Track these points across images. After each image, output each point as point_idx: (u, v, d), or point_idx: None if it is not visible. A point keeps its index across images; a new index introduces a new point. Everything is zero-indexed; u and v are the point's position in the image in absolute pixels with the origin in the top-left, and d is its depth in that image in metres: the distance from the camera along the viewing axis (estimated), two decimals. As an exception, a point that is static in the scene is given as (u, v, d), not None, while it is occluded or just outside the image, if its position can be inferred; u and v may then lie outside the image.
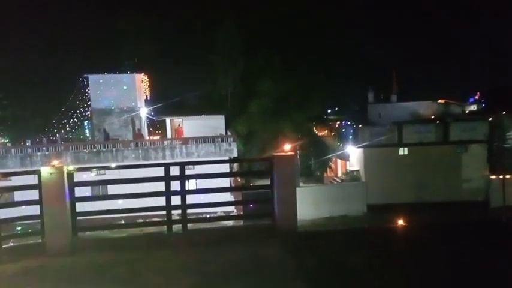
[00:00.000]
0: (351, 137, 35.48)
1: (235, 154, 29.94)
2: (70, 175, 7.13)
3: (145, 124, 37.33)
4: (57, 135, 35.73)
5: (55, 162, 7.22)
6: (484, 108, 44.35)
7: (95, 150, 29.35)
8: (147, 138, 34.39)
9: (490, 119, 32.82)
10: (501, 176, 27.11)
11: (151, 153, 29.60)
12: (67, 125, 37.53)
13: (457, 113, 36.14)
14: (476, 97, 51.31)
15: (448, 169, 31.56)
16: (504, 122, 34.56)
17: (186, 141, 30.88)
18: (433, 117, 34.20)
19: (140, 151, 29.45)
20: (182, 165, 7.71)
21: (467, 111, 41.98)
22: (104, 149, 29.11)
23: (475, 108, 46.52)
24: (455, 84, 45.92)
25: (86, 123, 39.26)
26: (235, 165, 30.92)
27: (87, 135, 39.46)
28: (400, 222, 8.36)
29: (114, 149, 29.12)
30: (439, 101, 36.21)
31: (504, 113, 33.98)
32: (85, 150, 29.20)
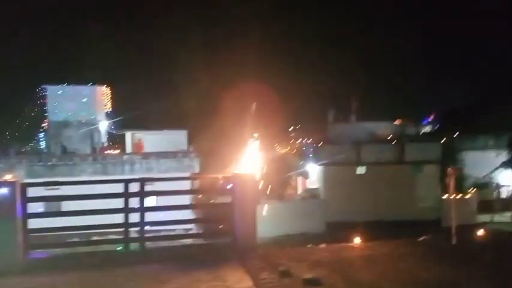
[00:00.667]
0: (311, 155, 36.02)
1: (197, 170, 29.69)
2: (23, 190, 6.90)
3: (105, 138, 36.49)
4: (10, 148, 34.30)
5: (7, 176, 6.97)
6: (437, 129, 46.21)
7: (49, 163, 28.36)
8: (106, 152, 33.60)
9: (443, 141, 34.25)
10: (452, 196, 28.20)
11: (110, 168, 28.92)
12: (22, 138, 36.16)
13: (412, 133, 37.45)
14: (431, 119, 53.43)
15: (404, 188, 32.55)
16: (455, 143, 36.19)
17: (146, 156, 30.40)
18: (390, 137, 35.32)
19: (98, 165, 28.72)
20: (142, 182, 7.63)
21: (422, 132, 43.59)
22: (60, 163, 28.19)
23: (430, 130, 48.38)
24: (411, 105, 47.73)
25: (42, 135, 37.97)
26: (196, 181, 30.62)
27: (42, 148, 38.12)
28: (356, 240, 8.61)
29: (70, 162, 28.26)
30: (396, 122, 37.47)
31: (456, 135, 35.58)
32: (40, 163, 28.16)
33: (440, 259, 7.20)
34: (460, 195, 29.36)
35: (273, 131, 36.70)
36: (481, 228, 12.74)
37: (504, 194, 34.69)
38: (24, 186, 6.93)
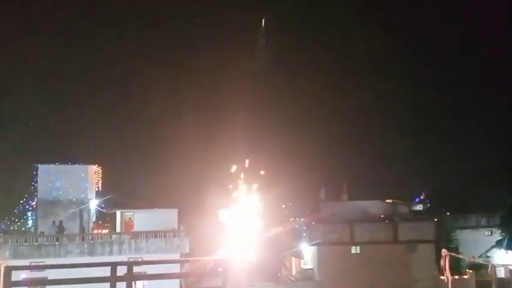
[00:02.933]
0: (304, 234, 35.49)
1: (187, 250, 28.94)
2: (7, 273, 6.70)
3: (94, 217, 35.88)
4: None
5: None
6: (428, 208, 46.20)
7: (36, 244, 27.55)
8: (95, 232, 32.90)
9: (435, 219, 34.11)
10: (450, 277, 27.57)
11: (98, 248, 28.12)
12: (7, 216, 35.50)
13: (404, 212, 37.37)
14: (422, 197, 53.60)
15: (398, 268, 31.80)
16: (448, 222, 36.05)
17: (135, 235, 29.72)
18: (382, 216, 35.18)
19: (86, 245, 27.94)
20: (130, 265, 7.46)
21: (413, 211, 43.49)
22: (46, 243, 27.41)
23: (421, 208, 48.34)
24: (401, 184, 48.07)
25: (29, 214, 37.31)
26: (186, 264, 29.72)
27: (29, 226, 37.29)
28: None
29: (57, 243, 27.49)
30: (387, 200, 37.53)
31: (448, 214, 35.55)
32: (25, 243, 27.36)
33: None
34: (457, 276, 28.70)
35: (265, 208, 36.34)
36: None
37: (501, 274, 33.97)
38: (9, 269, 6.74)
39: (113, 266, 7.22)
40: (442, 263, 9.08)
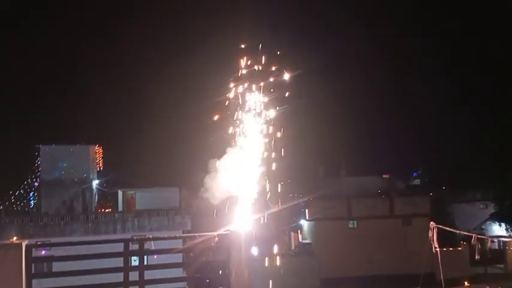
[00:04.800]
0: (302, 210, 36.22)
1: (189, 227, 29.67)
2: (28, 251, 7.18)
3: (96, 196, 36.50)
4: (1, 207, 34.14)
5: (14, 238, 7.28)
6: (425, 183, 46.91)
7: (41, 223, 28.22)
8: (98, 211, 33.55)
9: (431, 194, 34.83)
10: (444, 249, 28.41)
11: (102, 226, 28.82)
12: (12, 197, 36.02)
13: (401, 188, 38.09)
14: (419, 172, 54.35)
15: (395, 242, 32.64)
16: (444, 196, 36.78)
17: (138, 213, 30.40)
18: (379, 191, 35.89)
19: (90, 224, 28.63)
20: (141, 242, 7.96)
21: (411, 186, 44.20)
22: (52, 223, 28.06)
23: (418, 183, 49.10)
24: (400, 159, 48.64)
25: (31, 194, 37.85)
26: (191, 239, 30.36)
27: (31, 207, 37.89)
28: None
29: (62, 222, 28.16)
30: (384, 176, 38.20)
31: (444, 188, 36.23)
32: (31, 223, 28.02)
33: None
34: (451, 248, 29.55)
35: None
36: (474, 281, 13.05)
37: (495, 245, 34.95)
38: (30, 247, 7.22)
39: (126, 242, 7.72)
40: (430, 234, 9.62)
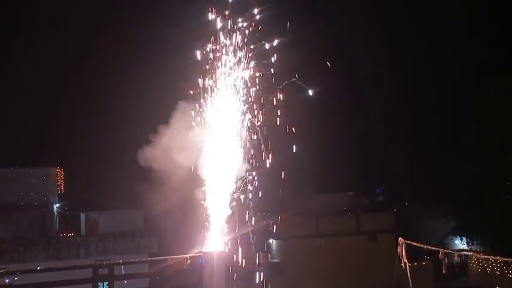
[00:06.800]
0: (270, 228, 36.15)
1: (155, 250, 29.00)
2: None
3: (57, 220, 35.16)
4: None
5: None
6: (388, 198, 47.87)
7: (-1, 250, 26.88)
8: (60, 235, 32.33)
9: (395, 210, 35.66)
10: (409, 264, 29.00)
11: (64, 251, 27.72)
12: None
13: (365, 204, 38.77)
14: (381, 188, 55.39)
15: (361, 258, 33.09)
16: (407, 211, 37.70)
17: (102, 237, 29.49)
18: (345, 208, 36.39)
19: (51, 250, 27.48)
20: (111, 266, 7.73)
21: (375, 202, 44.97)
22: (10, 249, 26.76)
23: (382, 199, 50.03)
24: (363, 176, 49.51)
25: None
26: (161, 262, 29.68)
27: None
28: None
29: (21, 248, 26.90)
30: (349, 193, 38.77)
31: (406, 203, 37.16)
32: (-13, 250, 26.65)
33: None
34: (416, 263, 30.18)
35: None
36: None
37: (458, 259, 35.90)
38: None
39: (95, 267, 7.49)
40: (399, 250, 9.84)
